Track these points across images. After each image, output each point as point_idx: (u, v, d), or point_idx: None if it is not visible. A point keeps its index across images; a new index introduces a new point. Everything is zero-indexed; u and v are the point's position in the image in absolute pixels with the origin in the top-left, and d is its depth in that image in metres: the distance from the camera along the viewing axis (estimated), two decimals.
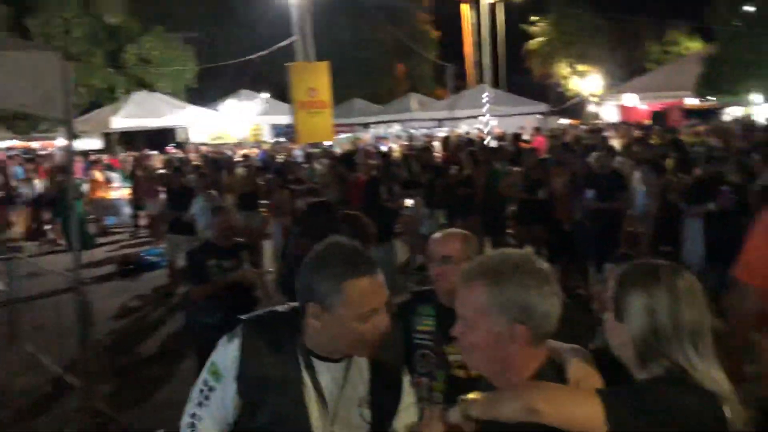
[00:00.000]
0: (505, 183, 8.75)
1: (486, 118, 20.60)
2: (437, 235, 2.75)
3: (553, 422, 1.52)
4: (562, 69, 38.53)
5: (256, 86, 31.54)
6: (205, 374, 2.02)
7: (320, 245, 1.95)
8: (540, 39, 39.31)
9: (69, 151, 6.19)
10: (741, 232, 2.97)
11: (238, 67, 28.45)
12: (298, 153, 18.14)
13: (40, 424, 5.44)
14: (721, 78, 21.24)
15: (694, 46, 33.51)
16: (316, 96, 16.45)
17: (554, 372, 1.70)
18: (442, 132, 24.14)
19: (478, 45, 30.43)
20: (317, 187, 9.49)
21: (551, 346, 1.76)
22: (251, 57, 25.05)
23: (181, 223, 8.97)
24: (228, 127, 25.39)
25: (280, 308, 2.09)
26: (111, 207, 15.95)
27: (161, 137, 25.54)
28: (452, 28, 35.74)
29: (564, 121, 28.60)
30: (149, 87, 24.85)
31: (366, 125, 28.66)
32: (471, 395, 1.68)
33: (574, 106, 34.18)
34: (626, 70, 34.35)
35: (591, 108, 32.98)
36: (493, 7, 30.51)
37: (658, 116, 26.34)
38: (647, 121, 24.26)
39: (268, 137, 27.15)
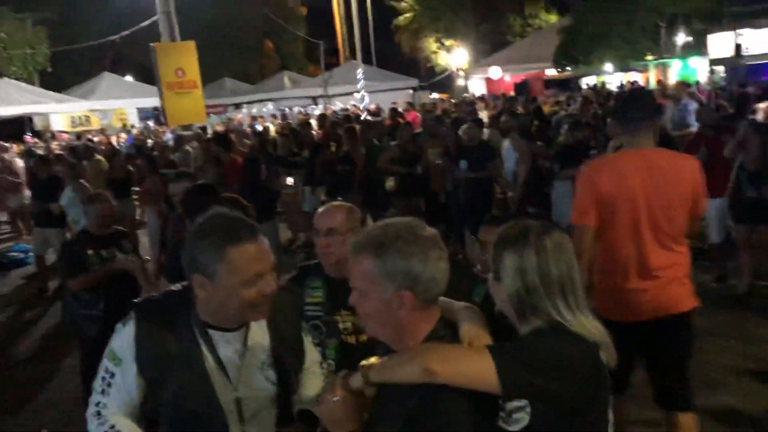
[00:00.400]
0: (383, 158, 8.92)
1: (360, 94, 20.74)
2: (321, 208, 2.81)
3: (448, 381, 1.62)
4: (430, 44, 39.36)
5: (118, 68, 30.01)
6: (104, 362, 2.02)
7: (202, 217, 1.97)
8: (407, 15, 39.90)
9: None
10: None
11: (97, 49, 26.90)
12: (168, 136, 17.52)
13: None
14: (576, 49, 22.46)
15: (552, 19, 35.18)
16: (184, 76, 15.88)
17: (448, 331, 1.78)
18: (317, 110, 24.08)
19: (347, 21, 30.46)
20: (190, 171, 9.24)
21: (445, 306, 1.84)
22: (111, 38, 23.71)
23: (49, 216, 8.53)
24: (91, 113, 24.04)
25: (173, 287, 2.11)
26: None
27: (13, 126, 23.71)
28: (320, 5, 35.56)
29: (434, 95, 29.32)
30: None
31: (238, 105, 28.07)
32: (371, 360, 1.75)
33: (443, 80, 35.06)
34: (490, 44, 35.58)
35: (459, 81, 33.97)
36: None
37: (521, 87, 27.61)
38: (511, 93, 25.34)
39: (134, 121, 25.99)
